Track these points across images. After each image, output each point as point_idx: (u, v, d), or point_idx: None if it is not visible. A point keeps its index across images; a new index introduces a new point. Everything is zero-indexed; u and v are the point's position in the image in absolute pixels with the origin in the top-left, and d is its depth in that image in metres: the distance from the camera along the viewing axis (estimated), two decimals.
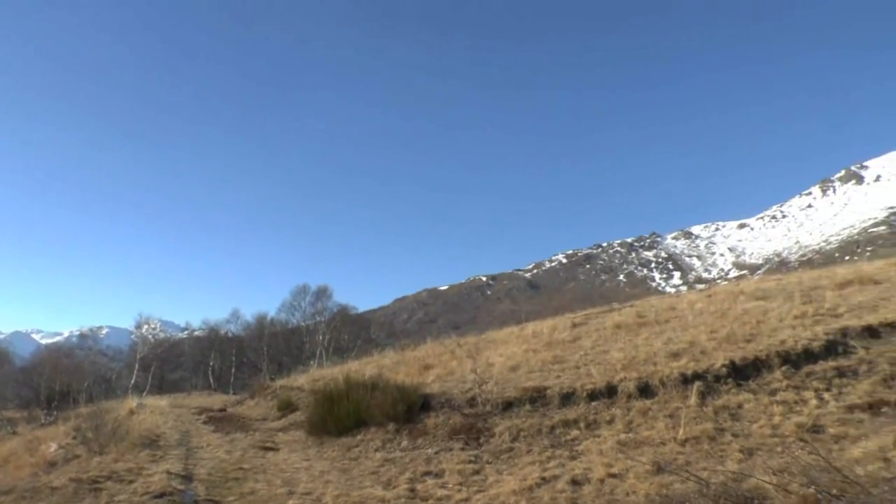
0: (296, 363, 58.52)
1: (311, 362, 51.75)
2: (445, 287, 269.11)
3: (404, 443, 14.32)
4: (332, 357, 56.41)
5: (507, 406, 14.41)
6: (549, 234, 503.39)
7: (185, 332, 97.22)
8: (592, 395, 13.80)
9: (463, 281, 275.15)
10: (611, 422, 12.74)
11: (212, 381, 74.18)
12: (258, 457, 15.10)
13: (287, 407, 23.18)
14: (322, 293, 77.00)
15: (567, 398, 13.97)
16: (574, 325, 22.02)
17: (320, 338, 68.29)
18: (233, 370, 75.03)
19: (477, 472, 11.65)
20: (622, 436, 11.91)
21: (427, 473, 11.95)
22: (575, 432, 12.66)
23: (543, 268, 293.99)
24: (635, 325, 19.80)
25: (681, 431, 11.44)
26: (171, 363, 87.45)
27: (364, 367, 24.95)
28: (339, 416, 16.39)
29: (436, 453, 13.20)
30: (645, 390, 13.54)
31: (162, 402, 37.91)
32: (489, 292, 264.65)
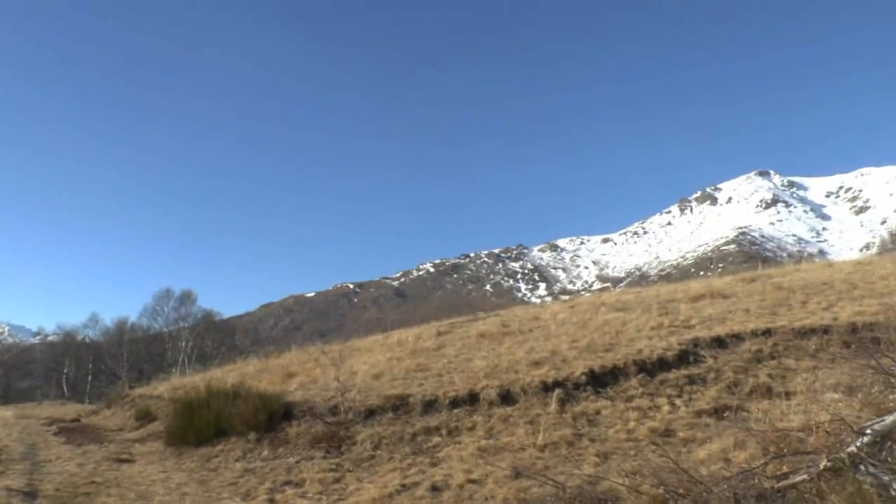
0: (157, 371, 56.35)
1: (174, 370, 50.02)
2: (312, 294, 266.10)
3: (265, 452, 13.95)
4: (195, 365, 54.64)
5: (370, 414, 14.28)
6: (417, 243, 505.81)
7: (38, 338, 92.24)
8: (455, 403, 13.84)
9: (330, 288, 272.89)
10: (472, 428, 12.81)
11: (66, 389, 70.47)
12: (112, 469, 14.36)
13: (145, 416, 22.23)
14: (186, 298, 74.72)
15: (429, 406, 13.97)
16: (439, 334, 22.12)
17: (183, 344, 66.20)
18: (89, 378, 71.54)
19: (338, 481, 11.47)
20: (483, 442, 11.99)
21: (287, 483, 11.68)
22: (436, 439, 12.66)
23: (411, 276, 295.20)
24: (499, 334, 20.06)
25: (540, 437, 11.64)
26: (19, 370, 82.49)
27: (227, 375, 24.24)
28: (200, 426, 15.83)
29: (297, 462, 12.92)
30: (506, 398, 13.70)
31: (7, 412, 35.61)
32: (356, 300, 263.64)
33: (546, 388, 13.71)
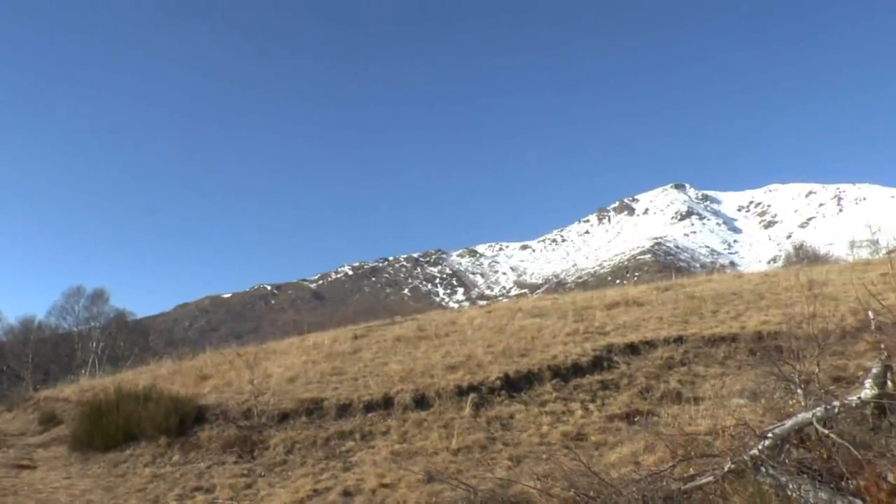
0: (65, 372, 54.40)
1: (83, 371, 48.42)
2: (229, 295, 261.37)
3: (176, 457, 13.61)
4: (106, 366, 52.96)
5: (284, 418, 14.07)
6: (337, 245, 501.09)
7: None
8: (369, 407, 13.76)
9: (247, 289, 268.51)
10: (386, 433, 12.75)
11: None
12: (10, 476, 13.78)
13: (50, 420, 21.44)
14: (98, 297, 72.27)
15: (344, 410, 13.84)
16: (355, 337, 21.97)
17: (94, 345, 64.03)
18: None
19: (249, 486, 11.28)
20: (397, 446, 11.95)
21: (197, 489, 11.42)
22: (350, 444, 12.56)
23: (329, 279, 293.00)
24: (416, 338, 20.03)
25: (454, 441, 11.66)
26: None
27: (139, 377, 23.56)
28: (108, 430, 15.34)
29: (208, 467, 12.64)
30: (421, 402, 13.69)
31: None
32: (273, 302, 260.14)
33: (461, 392, 13.75)
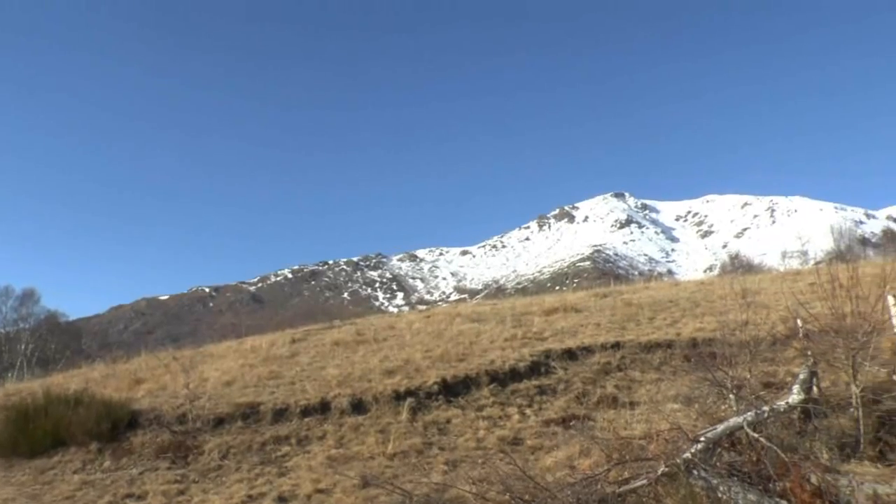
0: None
1: (10, 375, 47.02)
2: (166, 297, 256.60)
3: (107, 463, 13.27)
4: (35, 369, 51.51)
5: (219, 422, 13.85)
6: (276, 248, 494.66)
7: None
8: (306, 411, 13.63)
9: (185, 291, 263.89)
10: (322, 437, 12.65)
11: None
12: None
13: None
14: (28, 297, 70.21)
15: (280, 414, 13.69)
16: (293, 341, 21.77)
17: (23, 347, 62.21)
18: None
19: (182, 493, 11.05)
20: (333, 451, 11.86)
21: (129, 496, 11.15)
22: (286, 448, 12.42)
23: (269, 282, 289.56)
24: (354, 342, 19.93)
25: (390, 446, 11.64)
26: None
27: (70, 381, 22.91)
28: (35, 435, 14.86)
29: (140, 474, 12.36)
30: (358, 406, 13.62)
31: None
32: (211, 304, 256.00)
33: (398, 396, 13.73)
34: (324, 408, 13.70)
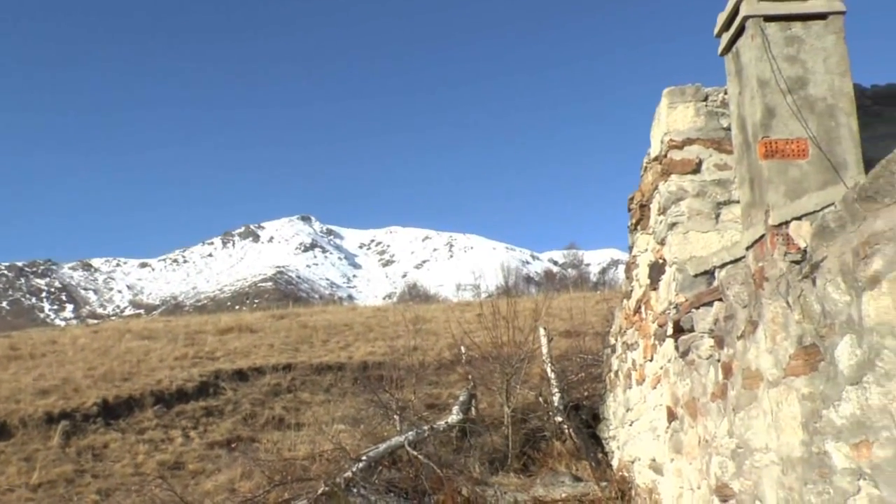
0: None
1: None
2: None
3: None
4: None
5: None
6: None
7: None
8: None
9: None
10: None
11: None
12: None
13: None
14: None
15: None
16: None
17: None
18: None
19: None
20: None
21: None
22: None
23: None
24: (5, 358, 18.10)
25: (35, 475, 10.77)
26: None
27: None
28: None
29: None
30: (1, 431, 12.37)
31: None
32: None
33: (51, 419, 12.74)
34: None
